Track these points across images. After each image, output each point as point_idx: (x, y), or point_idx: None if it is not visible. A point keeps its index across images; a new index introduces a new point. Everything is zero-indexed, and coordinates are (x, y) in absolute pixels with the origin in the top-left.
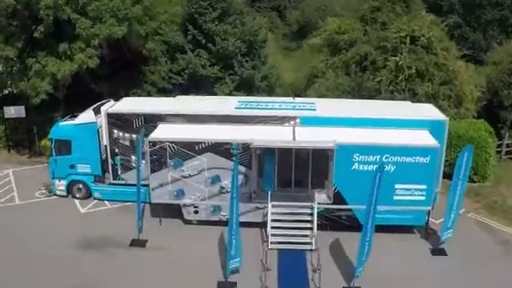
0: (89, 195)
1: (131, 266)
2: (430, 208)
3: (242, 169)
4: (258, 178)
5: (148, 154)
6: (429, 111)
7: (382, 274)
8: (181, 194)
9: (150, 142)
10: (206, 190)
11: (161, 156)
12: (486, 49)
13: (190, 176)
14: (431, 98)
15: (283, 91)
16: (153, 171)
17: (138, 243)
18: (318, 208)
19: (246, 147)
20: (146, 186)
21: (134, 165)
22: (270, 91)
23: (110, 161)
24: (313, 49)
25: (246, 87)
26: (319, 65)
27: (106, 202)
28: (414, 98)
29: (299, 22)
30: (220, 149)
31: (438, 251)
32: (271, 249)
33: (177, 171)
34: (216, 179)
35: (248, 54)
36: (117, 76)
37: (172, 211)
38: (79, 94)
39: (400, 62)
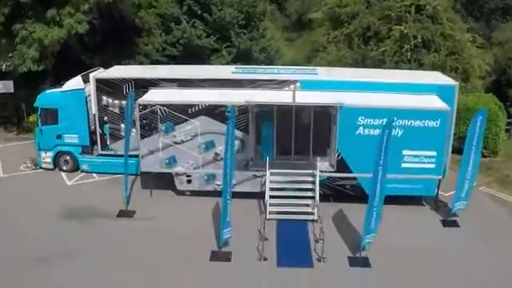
0: (76, 168)
1: (117, 236)
2: (440, 177)
3: (239, 134)
4: (256, 144)
5: (138, 118)
6: (437, 77)
7: (390, 245)
8: (172, 161)
9: (139, 105)
10: (200, 157)
11: (151, 120)
12: (489, 37)
13: (183, 142)
14: (438, 69)
15: (283, 65)
16: (143, 137)
17: (126, 214)
18: (320, 177)
19: (242, 110)
20: (137, 156)
21: (123, 134)
22: (270, 64)
23: (98, 130)
24: (314, 25)
25: (243, 59)
26: (320, 39)
27: (94, 174)
28: (420, 68)
29: (299, 12)
30: (215, 112)
31: (449, 223)
32: (269, 219)
33: (168, 137)
34: (210, 145)
35: (246, 26)
36: (108, 47)
37: (164, 183)
38: (69, 66)
39: (405, 31)
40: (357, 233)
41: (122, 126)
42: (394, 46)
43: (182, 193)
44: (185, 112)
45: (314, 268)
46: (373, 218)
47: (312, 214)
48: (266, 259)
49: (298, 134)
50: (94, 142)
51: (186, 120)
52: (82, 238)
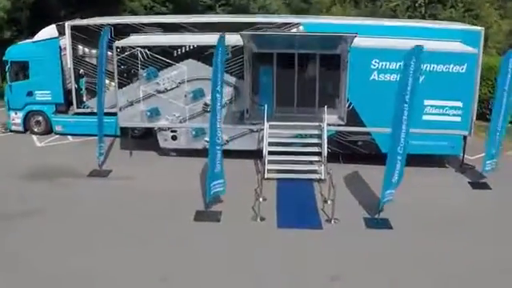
0: (50, 130)
1: (86, 195)
2: (466, 133)
3: (232, 80)
4: (253, 93)
5: (116, 64)
6: (459, 25)
7: (413, 206)
8: (155, 114)
9: (117, 47)
10: (187, 109)
11: (131, 66)
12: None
13: (167, 90)
14: None
15: None
16: (121, 86)
17: (99, 173)
18: (328, 131)
19: (236, 51)
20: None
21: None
22: None
23: (73, 84)
24: None
25: None
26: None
27: (69, 136)
28: None
29: None
30: (205, 54)
31: (479, 185)
32: (268, 178)
33: (150, 85)
34: (199, 94)
35: None
36: (90, 1)
37: (147, 144)
38: (47, 22)
39: None
40: (373, 194)
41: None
42: (406, 0)
43: (166, 153)
44: (169, 55)
45: (322, 230)
46: (395, 170)
47: (318, 172)
48: (263, 219)
49: (302, 81)
50: (70, 102)
51: (171, 64)
52: (47, 197)
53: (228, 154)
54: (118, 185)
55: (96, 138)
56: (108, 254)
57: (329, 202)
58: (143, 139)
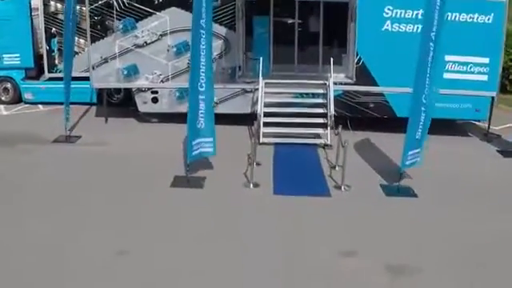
0: (19, 98)
1: (49, 161)
2: (494, 93)
3: (222, 31)
4: (246, 48)
5: (88, 15)
6: None
7: (438, 176)
8: (133, 72)
9: None
10: (170, 65)
11: (105, 17)
12: None
13: (147, 44)
14: None
15: None
16: (94, 40)
17: (66, 139)
18: (334, 91)
19: None
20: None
21: (75, 49)
22: None
23: (44, 45)
24: None
25: None
26: None
27: (39, 105)
28: None
29: None
30: (190, 1)
31: (510, 153)
32: (264, 143)
33: (127, 38)
34: (184, 48)
35: None
36: None
37: (127, 112)
38: None
39: None
40: (389, 161)
41: (75, 38)
42: None
43: (147, 120)
44: (149, 3)
45: (331, 197)
46: (419, 123)
47: (323, 136)
48: (256, 185)
49: (304, 34)
50: (41, 68)
51: (152, 14)
52: (4, 162)
53: (218, 118)
54: (85, 150)
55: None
56: (63, 222)
57: (337, 168)
58: (123, 107)
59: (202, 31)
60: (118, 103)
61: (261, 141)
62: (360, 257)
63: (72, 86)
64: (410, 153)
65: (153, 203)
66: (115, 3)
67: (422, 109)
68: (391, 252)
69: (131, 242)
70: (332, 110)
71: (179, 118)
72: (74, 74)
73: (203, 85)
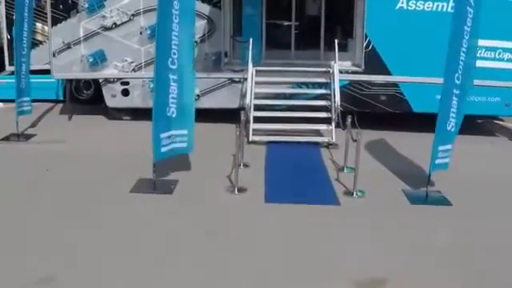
0: None
1: None
2: None
3: (204, 9)
4: (234, 30)
5: None
6: None
7: (471, 179)
8: (100, 59)
9: None
10: (143, 51)
11: None
12: None
13: (116, 26)
14: None
15: None
16: (55, 23)
17: (17, 137)
18: (339, 81)
19: None
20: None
21: (40, 38)
22: None
23: (5, 34)
24: None
25: None
26: None
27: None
28: None
29: None
30: None
31: None
32: (254, 142)
33: (94, 19)
34: None
35: None
36: None
37: (98, 110)
38: None
39: None
40: (411, 163)
41: (39, 25)
42: None
43: (117, 117)
44: None
45: (340, 206)
46: (450, 111)
47: (326, 133)
48: (242, 191)
49: (302, 14)
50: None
51: None
52: None
53: (200, 114)
54: (37, 149)
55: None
56: None
57: (345, 170)
58: (94, 105)
59: None
60: (89, 100)
61: (250, 139)
62: None
63: (35, 80)
64: (441, 149)
65: (103, 214)
66: None
67: (455, 96)
68: (434, 284)
69: (60, 266)
70: (338, 102)
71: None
72: (38, 66)
73: (175, 61)
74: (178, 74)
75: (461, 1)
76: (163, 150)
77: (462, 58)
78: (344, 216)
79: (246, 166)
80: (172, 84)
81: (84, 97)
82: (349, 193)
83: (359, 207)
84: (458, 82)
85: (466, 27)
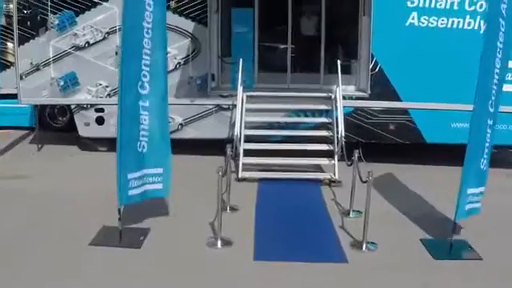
0: None
1: None
2: None
3: (188, 27)
4: (222, 50)
5: (15, 8)
6: None
7: (494, 220)
8: (72, 83)
9: None
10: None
11: (36, 10)
12: None
13: (89, 45)
14: None
15: None
16: (22, 41)
17: None
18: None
19: None
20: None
21: (11, 59)
22: None
23: None
24: None
25: None
26: None
27: None
28: None
29: None
30: None
31: None
32: (244, 179)
33: (65, 37)
34: None
35: None
36: None
37: (72, 139)
38: None
39: None
40: (427, 203)
41: (10, 45)
42: None
43: (93, 148)
44: None
45: (348, 264)
46: (484, 150)
47: (328, 169)
48: (227, 244)
49: (300, 33)
50: None
51: (96, 4)
52: None
53: (182, 145)
54: None
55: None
56: None
57: (352, 214)
58: (71, 133)
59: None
60: (64, 128)
61: (240, 175)
62: None
63: (6, 105)
64: (472, 191)
65: (52, 273)
66: None
67: (488, 127)
68: None
69: None
70: (342, 132)
71: None
72: (8, 90)
73: (146, 84)
74: (150, 101)
75: (493, 10)
76: (132, 193)
77: (495, 80)
78: (352, 277)
79: (233, 209)
80: (142, 113)
81: (59, 124)
82: (357, 245)
83: (371, 265)
84: (491, 110)
85: (498, 43)
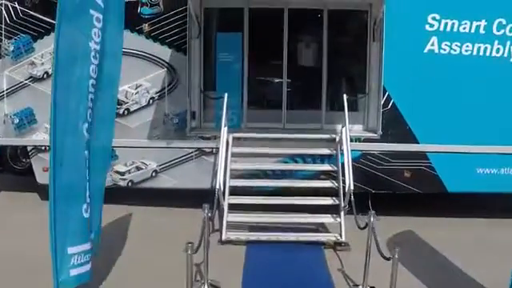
0: None
1: None
2: None
3: (164, 54)
4: (205, 82)
5: None
6: None
7: None
8: (28, 121)
9: None
10: None
11: None
12: None
13: (48, 76)
14: None
15: None
16: None
17: None
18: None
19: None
20: None
21: None
22: None
23: None
24: None
25: None
26: None
27: None
28: None
29: None
30: None
31: None
32: (228, 241)
33: (20, 66)
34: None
35: None
36: None
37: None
38: None
39: None
40: (461, 271)
41: None
42: None
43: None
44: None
45: None
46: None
47: (333, 228)
48: None
49: (297, 62)
50: None
51: None
52: None
53: (157, 196)
54: None
55: None
56: None
57: None
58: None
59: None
60: (26, 171)
61: (224, 237)
62: None
63: None
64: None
65: None
66: (4, 12)
67: None
68: None
69: None
70: (350, 183)
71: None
72: None
73: (90, 128)
74: (93, 151)
75: None
76: (73, 273)
77: None
78: None
79: (213, 287)
80: (86, 165)
81: (21, 167)
82: None
83: None
84: None
85: None
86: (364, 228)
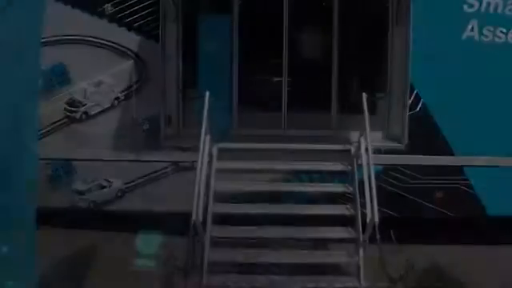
0: None
1: None
2: None
3: (131, 43)
4: (184, 79)
5: None
6: None
7: None
8: None
9: None
10: None
11: None
12: None
13: None
14: None
15: None
16: None
17: None
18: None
19: None
20: None
21: None
22: None
23: None
24: None
25: None
26: None
27: None
28: None
29: None
30: None
31: None
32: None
33: None
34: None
35: None
36: None
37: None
38: None
39: None
40: None
41: None
42: None
43: None
44: None
45: None
46: None
47: (351, 270)
48: None
49: (299, 54)
50: None
51: None
52: None
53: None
54: None
55: None
56: None
57: None
58: None
59: None
60: None
61: (204, 281)
62: None
63: None
64: None
65: None
66: None
67: None
68: None
69: None
70: (375, 211)
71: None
72: None
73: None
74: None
75: None
76: None
77: None
78: None
79: None
80: None
81: None
82: None
83: None
84: None
85: None
86: (399, 281)
